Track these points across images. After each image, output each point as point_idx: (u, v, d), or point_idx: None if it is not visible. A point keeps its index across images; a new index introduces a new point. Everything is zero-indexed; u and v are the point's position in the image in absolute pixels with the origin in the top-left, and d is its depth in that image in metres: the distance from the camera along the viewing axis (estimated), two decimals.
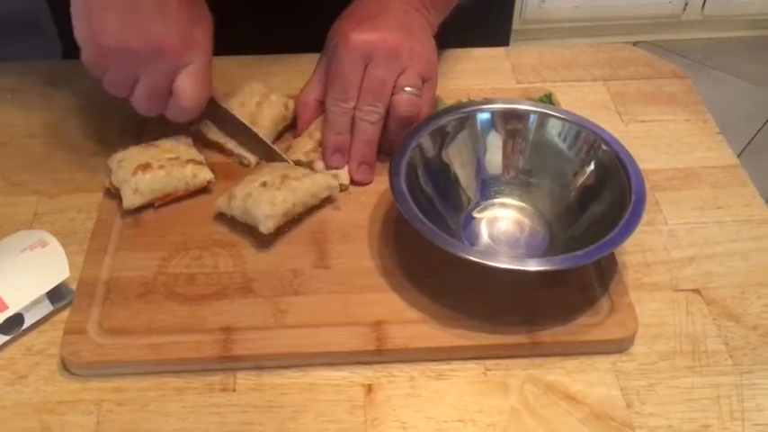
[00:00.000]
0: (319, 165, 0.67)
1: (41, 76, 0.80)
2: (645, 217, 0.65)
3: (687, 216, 0.66)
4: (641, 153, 0.71)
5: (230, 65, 0.77)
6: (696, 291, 0.60)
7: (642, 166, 0.69)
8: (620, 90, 0.79)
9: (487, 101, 0.65)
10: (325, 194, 0.64)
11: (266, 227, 0.60)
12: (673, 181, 0.70)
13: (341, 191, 0.66)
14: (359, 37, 0.63)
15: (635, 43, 2.33)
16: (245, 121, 0.68)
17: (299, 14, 0.79)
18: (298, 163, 0.67)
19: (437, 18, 0.71)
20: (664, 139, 0.74)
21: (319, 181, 0.63)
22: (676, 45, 2.33)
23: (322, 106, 0.67)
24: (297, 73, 0.74)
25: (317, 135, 0.68)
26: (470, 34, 0.72)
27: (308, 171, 0.65)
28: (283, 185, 0.62)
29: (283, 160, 0.66)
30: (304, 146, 0.68)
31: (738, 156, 0.71)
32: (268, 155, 0.67)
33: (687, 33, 2.34)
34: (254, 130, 0.68)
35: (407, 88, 0.64)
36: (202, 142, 0.70)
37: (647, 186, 0.66)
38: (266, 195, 0.61)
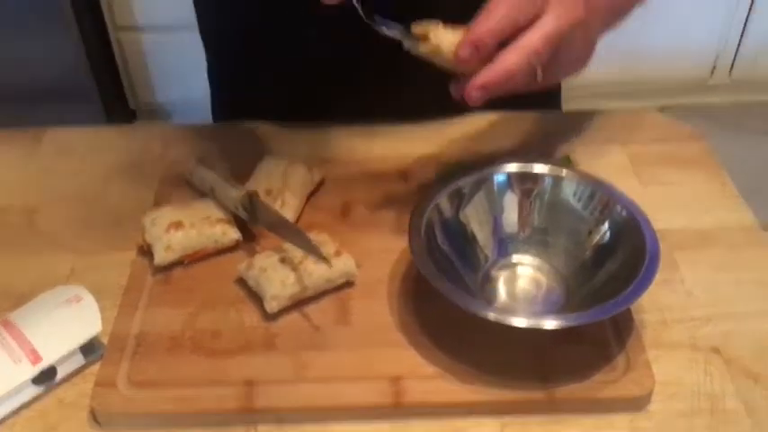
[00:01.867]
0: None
1: (84, 140, 0.84)
2: (663, 276, 0.66)
3: (705, 276, 0.67)
4: (659, 214, 0.72)
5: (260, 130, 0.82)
6: (715, 349, 0.61)
7: (660, 226, 0.70)
8: (638, 152, 0.81)
9: (503, 162, 0.67)
10: (340, 281, 0.64)
11: (270, 306, 0.62)
12: (691, 241, 0.70)
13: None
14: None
15: (663, 107, 2.36)
16: (286, 217, 0.69)
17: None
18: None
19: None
20: (682, 201, 0.75)
21: (338, 267, 0.63)
22: (706, 108, 2.35)
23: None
24: (312, 143, 0.78)
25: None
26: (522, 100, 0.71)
27: (330, 254, 0.64)
28: (300, 266, 0.63)
29: (321, 256, 0.62)
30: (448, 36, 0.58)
31: None
32: (306, 247, 0.64)
33: (716, 97, 2.35)
34: (297, 226, 0.68)
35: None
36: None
37: (665, 246, 0.68)
38: (280, 274, 0.62)
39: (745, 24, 2.19)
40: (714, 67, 2.28)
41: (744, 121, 2.31)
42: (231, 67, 0.82)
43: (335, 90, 0.82)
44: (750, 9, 2.15)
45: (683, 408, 0.57)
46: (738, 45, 2.22)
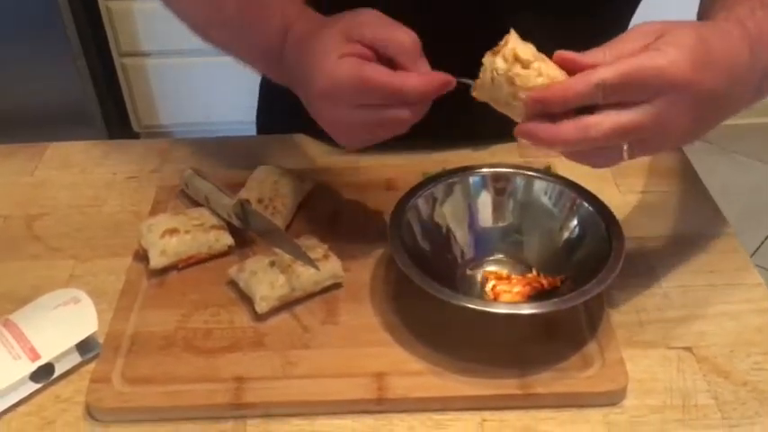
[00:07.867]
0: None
1: (84, 154, 0.88)
2: (640, 280, 0.69)
3: (681, 279, 0.69)
4: (638, 221, 0.75)
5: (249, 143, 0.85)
6: (688, 349, 0.63)
7: (638, 233, 0.73)
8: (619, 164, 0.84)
9: (478, 166, 0.70)
10: (328, 283, 0.67)
11: (260, 307, 0.64)
12: (668, 247, 0.73)
13: None
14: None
15: None
16: (276, 224, 0.71)
17: None
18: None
19: None
20: (660, 208, 0.78)
21: (326, 269, 0.66)
22: None
23: None
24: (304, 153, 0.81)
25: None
26: None
27: (319, 257, 0.66)
28: (289, 268, 0.65)
29: (309, 261, 0.64)
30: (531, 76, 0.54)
31: (765, 240, 0.74)
32: (294, 252, 0.66)
33: None
34: (286, 234, 0.70)
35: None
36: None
37: (644, 251, 0.71)
38: (269, 276, 0.65)
39: None
40: None
41: (735, 144, 2.35)
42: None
43: None
44: None
45: (656, 403, 0.59)
46: None
